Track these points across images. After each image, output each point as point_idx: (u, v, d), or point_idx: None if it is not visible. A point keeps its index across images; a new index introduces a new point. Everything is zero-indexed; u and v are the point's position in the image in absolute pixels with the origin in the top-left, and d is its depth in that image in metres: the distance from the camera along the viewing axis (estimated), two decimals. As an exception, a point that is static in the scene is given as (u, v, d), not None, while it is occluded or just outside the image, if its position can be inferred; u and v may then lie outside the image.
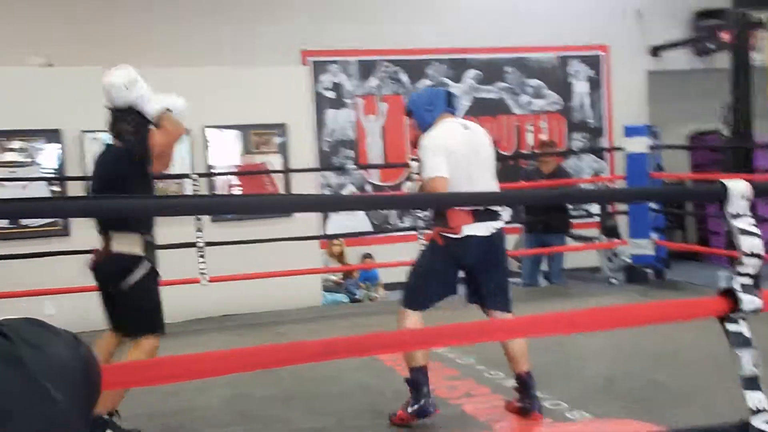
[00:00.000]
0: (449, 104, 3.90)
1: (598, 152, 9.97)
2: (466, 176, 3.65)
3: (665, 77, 10.11)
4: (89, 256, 3.85)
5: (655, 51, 10.11)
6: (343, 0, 9.04)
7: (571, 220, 8.05)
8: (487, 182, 3.75)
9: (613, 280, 7.67)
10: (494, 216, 3.73)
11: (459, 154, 3.68)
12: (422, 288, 3.83)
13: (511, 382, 4.23)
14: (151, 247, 3.70)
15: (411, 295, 3.84)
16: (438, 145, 3.69)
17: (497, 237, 3.77)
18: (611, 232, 8.13)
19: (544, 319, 3.39)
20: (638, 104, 9.97)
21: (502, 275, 3.87)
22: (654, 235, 7.42)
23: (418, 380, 3.77)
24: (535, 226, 7.66)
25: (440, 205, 3.61)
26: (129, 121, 3.82)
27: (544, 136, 9.54)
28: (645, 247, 7.31)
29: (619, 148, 7.89)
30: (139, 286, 3.64)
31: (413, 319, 3.77)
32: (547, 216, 7.54)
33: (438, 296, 3.84)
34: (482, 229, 3.68)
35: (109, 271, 3.70)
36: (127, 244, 3.63)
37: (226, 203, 3.11)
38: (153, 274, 3.70)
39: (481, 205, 3.67)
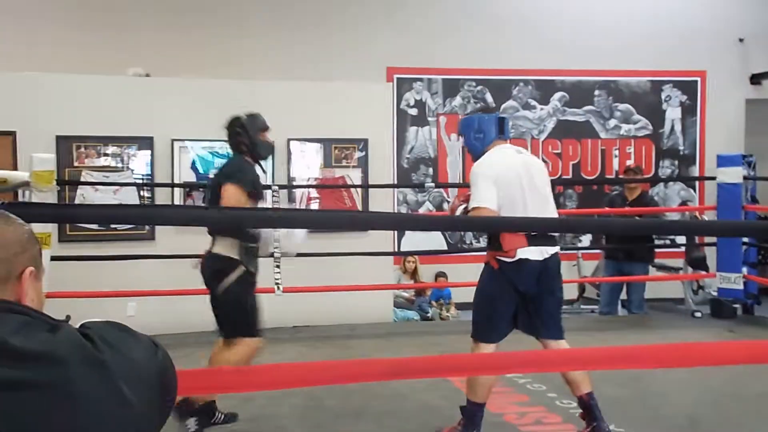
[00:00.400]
0: (501, 130, 3.82)
1: (687, 181, 9.65)
2: (521, 202, 3.60)
3: (765, 106, 9.72)
4: (196, 260, 4.03)
5: (756, 79, 9.74)
6: (430, 18, 9.08)
7: (655, 250, 7.81)
8: (542, 208, 3.68)
9: (698, 314, 7.40)
10: (549, 240, 3.69)
11: (511, 180, 3.63)
12: (489, 318, 3.74)
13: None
14: (250, 253, 3.85)
15: (479, 327, 3.76)
16: (487, 174, 3.63)
17: (552, 262, 3.69)
18: (698, 263, 7.85)
19: (620, 351, 3.30)
20: (734, 133, 9.62)
21: (556, 303, 3.78)
22: (744, 269, 7.11)
23: (473, 415, 3.73)
24: (616, 253, 7.45)
25: (524, 229, 3.58)
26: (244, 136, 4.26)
27: (630, 162, 9.32)
28: (734, 281, 7.01)
29: (711, 178, 7.62)
30: (232, 289, 3.79)
31: (487, 352, 3.71)
32: (629, 244, 7.33)
33: (506, 325, 3.74)
34: (536, 253, 3.63)
35: (206, 271, 3.88)
36: (225, 247, 3.81)
37: (302, 217, 3.15)
38: (248, 279, 3.84)
39: (543, 232, 3.64)
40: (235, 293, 3.81)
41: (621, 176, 8.32)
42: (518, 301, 3.69)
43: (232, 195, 3.78)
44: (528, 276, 3.64)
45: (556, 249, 3.72)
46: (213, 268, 3.84)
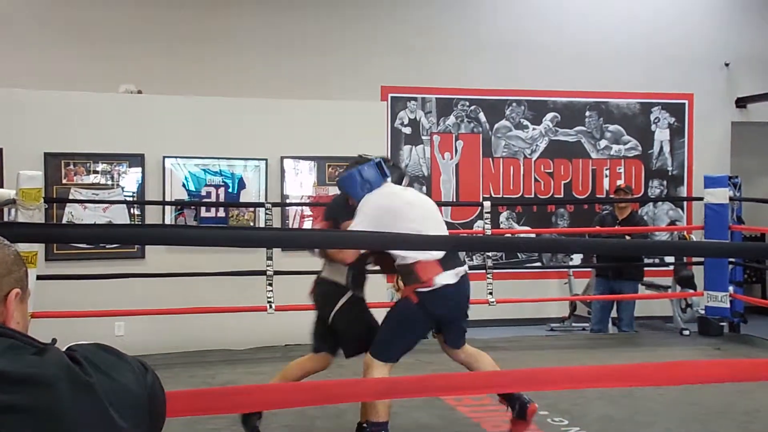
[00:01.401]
0: (383, 174, 3.83)
1: (675, 201, 9.73)
2: (418, 228, 3.64)
3: (750, 129, 9.83)
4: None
5: (741, 102, 9.86)
6: (425, 38, 9.14)
7: (644, 268, 7.84)
8: (436, 230, 3.78)
9: (686, 332, 7.43)
10: (459, 261, 3.78)
11: (413, 209, 3.75)
12: (395, 342, 3.79)
13: (575, 430, 4.14)
14: (357, 278, 4.02)
15: (382, 347, 3.77)
16: (377, 205, 3.70)
17: (466, 282, 3.80)
18: (686, 282, 7.89)
19: (611, 370, 3.30)
20: (721, 154, 9.71)
21: (465, 319, 3.94)
22: (731, 288, 7.15)
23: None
24: (606, 271, 7.48)
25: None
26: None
27: (620, 182, 9.36)
28: (720, 299, 7.05)
29: (698, 198, 7.67)
30: (343, 312, 3.98)
31: (382, 371, 3.71)
32: (619, 263, 7.36)
33: (409, 348, 3.86)
34: (451, 276, 3.70)
35: (316, 295, 4.13)
36: (333, 272, 3.99)
37: (295, 236, 3.15)
38: (356, 303, 4.02)
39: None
40: (347, 316, 3.98)
41: (612, 196, 8.36)
42: (429, 325, 3.87)
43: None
44: (446, 300, 3.72)
45: (465, 268, 3.80)
46: (321, 293, 4.07)
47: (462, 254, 3.87)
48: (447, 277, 3.67)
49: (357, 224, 3.61)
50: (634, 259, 7.44)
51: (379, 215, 3.63)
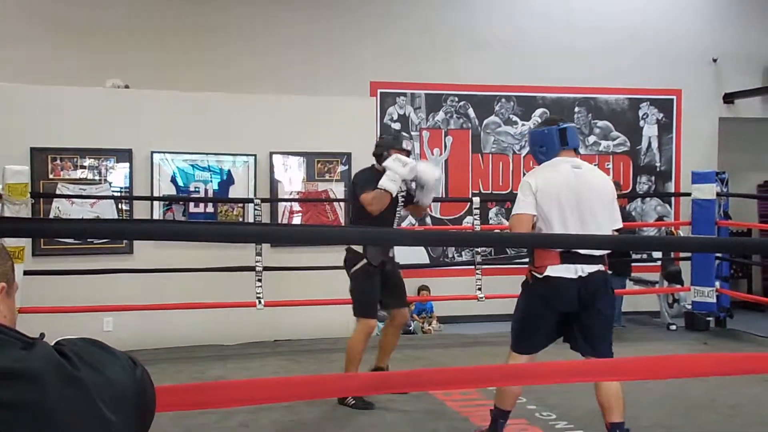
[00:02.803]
0: (564, 142, 3.74)
1: (663, 196, 9.78)
2: (558, 218, 3.58)
3: (737, 125, 9.89)
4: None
5: (729, 98, 9.91)
6: (414, 34, 9.13)
7: (632, 264, 7.89)
8: (583, 227, 3.59)
9: (672, 326, 7.47)
10: (585, 259, 3.58)
11: (551, 195, 3.59)
12: (521, 329, 3.75)
13: (563, 424, 4.16)
14: (372, 249, 4.71)
15: (515, 336, 3.78)
16: (529, 183, 3.65)
17: (591, 281, 3.60)
18: (673, 277, 7.94)
19: (598, 364, 3.32)
20: (708, 150, 9.77)
21: (602, 322, 3.68)
22: (717, 283, 7.20)
23: (496, 420, 3.86)
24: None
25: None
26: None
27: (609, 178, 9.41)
28: (707, 294, 7.10)
29: (686, 194, 7.72)
30: (354, 276, 4.84)
31: (515, 360, 3.72)
32: (607, 258, 7.39)
33: (541, 337, 3.71)
34: (567, 271, 3.57)
35: (345, 261, 4.92)
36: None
37: (285, 233, 3.15)
38: (368, 270, 4.74)
39: (566, 248, 3.56)
40: (357, 280, 4.81)
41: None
42: (555, 317, 3.66)
43: (364, 200, 4.65)
44: (559, 293, 3.59)
45: (595, 268, 3.61)
46: (346, 258, 4.87)
47: (598, 252, 3.60)
48: (561, 270, 3.57)
49: (520, 202, 3.72)
50: (621, 255, 7.49)
51: (534, 194, 3.69)
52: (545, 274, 3.58)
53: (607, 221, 3.68)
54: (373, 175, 4.79)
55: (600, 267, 3.63)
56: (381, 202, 4.58)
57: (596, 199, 3.67)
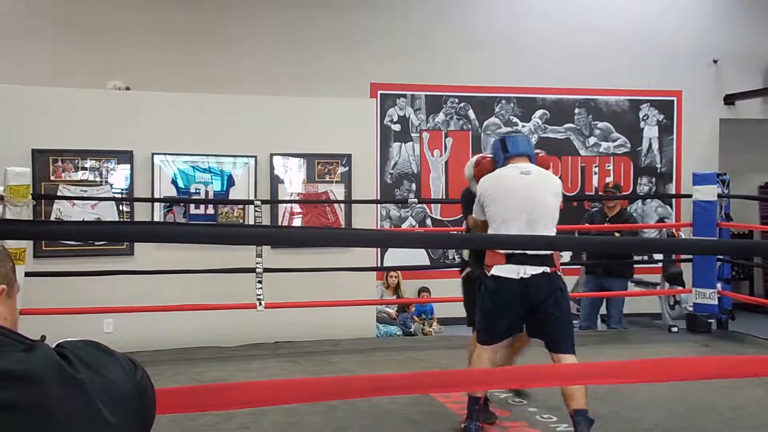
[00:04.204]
0: (505, 150, 4.01)
1: (664, 198, 9.78)
2: (503, 219, 3.83)
3: (738, 126, 9.89)
4: None
5: (729, 99, 9.91)
6: (414, 36, 9.14)
7: (634, 265, 7.88)
8: (535, 226, 3.79)
9: (674, 328, 7.46)
10: (529, 260, 3.74)
11: (497, 198, 3.86)
12: (481, 323, 3.97)
13: (564, 427, 4.15)
14: (474, 256, 4.38)
15: (477, 328, 4.05)
16: (477, 189, 3.98)
17: (531, 283, 3.75)
18: (675, 279, 7.93)
19: (599, 367, 3.32)
20: (709, 152, 9.77)
21: (556, 321, 3.82)
22: (719, 285, 7.19)
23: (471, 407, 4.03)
24: (596, 268, 7.51)
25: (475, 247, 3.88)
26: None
27: (609, 180, 9.42)
28: (708, 296, 7.09)
29: (687, 195, 7.71)
30: (463, 283, 4.65)
31: (479, 351, 3.95)
32: (608, 260, 7.38)
33: (499, 331, 3.91)
34: (510, 271, 3.76)
35: None
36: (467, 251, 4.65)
37: (286, 234, 3.15)
38: (471, 279, 4.40)
39: (520, 249, 3.72)
40: (464, 288, 4.62)
41: (601, 193, 8.40)
42: (509, 313, 3.85)
43: (468, 222, 4.48)
44: (501, 293, 3.81)
45: (539, 270, 3.74)
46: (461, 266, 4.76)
47: (544, 253, 3.76)
48: (505, 271, 3.78)
49: (473, 207, 4.12)
50: (623, 256, 7.48)
51: (481, 197, 4.05)
52: (491, 273, 3.82)
53: (552, 222, 3.88)
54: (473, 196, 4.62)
55: (545, 269, 3.75)
56: (477, 227, 4.40)
57: (541, 201, 3.86)
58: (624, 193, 8.83)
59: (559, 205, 3.91)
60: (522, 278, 3.74)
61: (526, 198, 3.83)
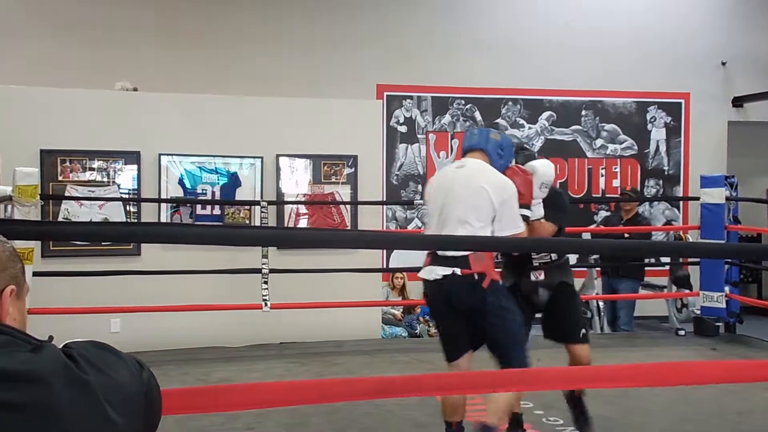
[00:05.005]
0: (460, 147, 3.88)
1: (671, 200, 9.75)
2: (429, 218, 3.67)
3: (747, 128, 9.85)
4: None
5: (738, 101, 9.87)
6: (421, 37, 9.14)
7: (644, 267, 7.88)
8: (446, 225, 3.50)
9: (681, 332, 7.44)
10: (440, 261, 3.45)
11: (432, 197, 3.69)
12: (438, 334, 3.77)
13: (570, 430, 4.14)
14: (506, 267, 3.97)
15: None
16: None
17: (444, 285, 3.47)
18: (682, 282, 7.90)
19: (606, 370, 3.31)
20: (717, 154, 9.73)
21: (485, 328, 3.51)
22: (727, 288, 7.16)
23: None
24: (607, 269, 7.58)
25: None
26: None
27: (616, 182, 9.45)
28: (716, 299, 7.06)
29: (694, 198, 7.69)
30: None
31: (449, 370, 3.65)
32: (618, 261, 7.40)
33: (444, 343, 3.64)
34: (428, 273, 3.52)
35: None
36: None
37: (293, 236, 3.15)
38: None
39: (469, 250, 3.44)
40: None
41: (607, 195, 8.42)
42: (447, 319, 3.59)
43: None
44: (428, 297, 3.62)
45: (449, 270, 3.44)
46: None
47: (460, 253, 3.41)
48: (424, 272, 3.57)
49: None
50: (632, 258, 7.48)
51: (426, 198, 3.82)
52: (420, 275, 3.63)
53: (476, 221, 3.46)
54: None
55: (455, 270, 3.43)
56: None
57: (460, 197, 3.51)
58: (632, 196, 8.82)
59: (494, 200, 3.44)
60: (436, 280, 3.48)
61: (446, 195, 3.54)
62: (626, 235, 7.28)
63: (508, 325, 3.49)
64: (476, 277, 3.42)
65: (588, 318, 7.90)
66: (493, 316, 3.47)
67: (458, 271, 3.43)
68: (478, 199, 3.46)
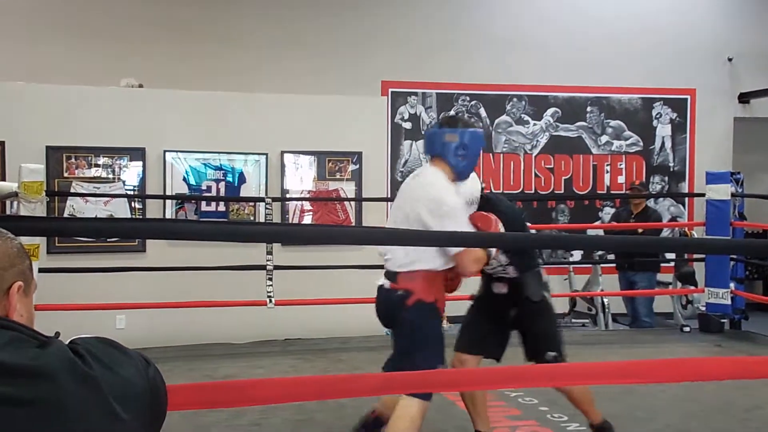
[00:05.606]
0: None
1: (677, 197, 9.73)
2: (390, 225, 3.51)
3: (753, 124, 9.82)
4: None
5: (744, 98, 9.84)
6: (425, 33, 9.13)
7: (660, 263, 7.88)
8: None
9: (686, 328, 7.43)
10: (386, 273, 3.40)
11: (394, 202, 3.60)
12: None
13: (575, 426, 4.14)
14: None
15: None
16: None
17: (378, 293, 3.43)
18: (687, 278, 7.89)
19: (612, 367, 3.30)
20: (723, 150, 9.70)
21: (397, 338, 3.49)
22: (732, 285, 7.15)
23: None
24: (623, 265, 7.62)
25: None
26: None
27: (621, 178, 9.44)
28: (721, 296, 7.05)
29: (700, 194, 7.68)
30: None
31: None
32: (632, 256, 7.41)
33: None
34: (379, 279, 3.46)
35: None
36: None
37: (299, 232, 3.15)
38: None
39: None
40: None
41: (627, 192, 8.43)
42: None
43: None
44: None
45: (385, 282, 3.38)
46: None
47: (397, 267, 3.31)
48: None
49: None
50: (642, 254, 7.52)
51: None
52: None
53: (403, 225, 3.35)
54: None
55: (386, 282, 3.37)
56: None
57: (400, 210, 3.45)
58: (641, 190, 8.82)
59: (424, 219, 3.28)
60: (379, 287, 3.44)
61: (396, 205, 3.54)
62: (640, 231, 7.30)
63: (417, 345, 3.36)
64: (399, 293, 3.32)
65: (592, 315, 7.90)
66: (403, 332, 3.40)
67: (387, 284, 3.37)
68: (413, 214, 3.34)
